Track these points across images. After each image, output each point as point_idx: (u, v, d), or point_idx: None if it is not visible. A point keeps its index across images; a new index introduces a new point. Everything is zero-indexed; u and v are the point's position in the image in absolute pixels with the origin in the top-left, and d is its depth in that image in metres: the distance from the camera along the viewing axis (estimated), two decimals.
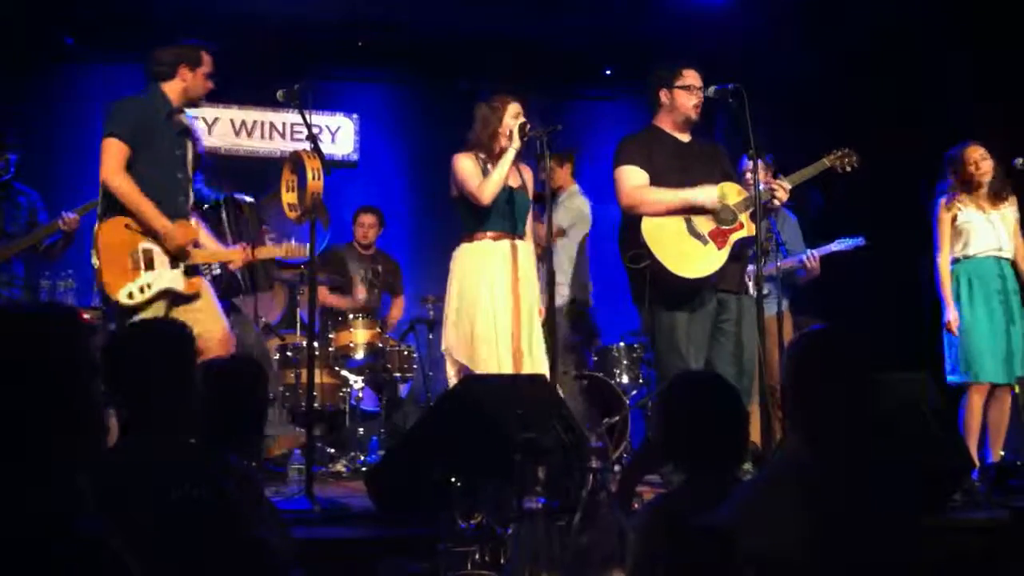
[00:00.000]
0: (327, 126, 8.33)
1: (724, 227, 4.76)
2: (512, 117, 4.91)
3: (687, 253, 4.69)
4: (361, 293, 6.98)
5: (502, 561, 2.17)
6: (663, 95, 4.91)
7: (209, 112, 8.10)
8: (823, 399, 2.24)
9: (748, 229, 4.79)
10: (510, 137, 4.87)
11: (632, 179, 4.77)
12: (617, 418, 6.19)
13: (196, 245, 4.59)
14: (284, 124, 8.28)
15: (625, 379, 6.55)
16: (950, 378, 5.50)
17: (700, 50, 6.69)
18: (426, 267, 7.71)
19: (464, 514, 2.23)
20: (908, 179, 6.40)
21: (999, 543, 3.77)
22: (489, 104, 4.99)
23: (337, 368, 6.48)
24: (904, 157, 6.66)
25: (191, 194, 4.69)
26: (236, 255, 4.79)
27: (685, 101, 4.86)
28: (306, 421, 4.64)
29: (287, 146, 7.92)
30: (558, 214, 6.26)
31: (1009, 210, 5.64)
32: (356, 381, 6.44)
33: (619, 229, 4.88)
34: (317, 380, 5.29)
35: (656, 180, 4.77)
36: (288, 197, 4.52)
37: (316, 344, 5.12)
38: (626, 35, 7.73)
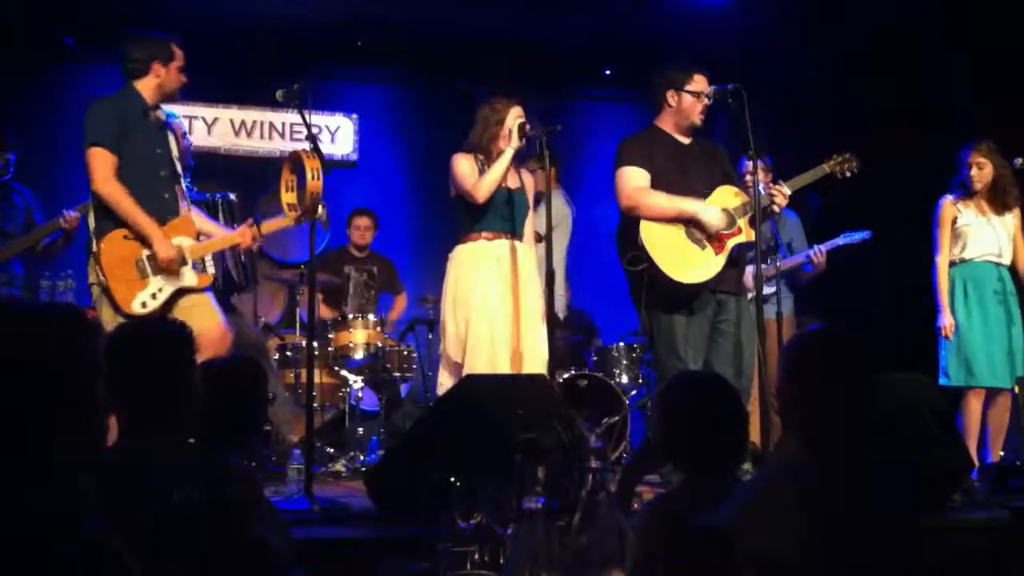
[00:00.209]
0: (326, 126, 8.33)
1: (722, 231, 4.76)
2: (514, 119, 4.91)
3: (685, 258, 4.69)
4: (349, 307, 6.95)
5: (502, 561, 2.17)
6: (670, 96, 4.89)
7: (209, 112, 8.11)
8: (822, 399, 2.24)
9: (747, 234, 4.79)
10: (509, 138, 4.87)
11: (633, 180, 4.76)
12: (617, 418, 6.19)
13: (199, 237, 4.59)
14: (283, 124, 8.29)
15: (625, 379, 6.56)
16: (942, 381, 5.49)
17: (700, 50, 6.69)
18: (426, 267, 7.71)
19: (464, 514, 2.23)
20: (908, 179, 6.41)
21: (999, 543, 3.77)
22: (491, 106, 4.99)
23: (337, 368, 6.48)
24: (904, 157, 6.67)
25: (181, 188, 4.65)
26: (243, 235, 4.74)
27: (692, 106, 4.85)
28: (306, 422, 4.63)
29: (286, 146, 7.93)
30: (542, 218, 6.27)
31: (1010, 216, 5.62)
32: (356, 381, 6.44)
33: (617, 230, 4.88)
34: (317, 380, 5.28)
35: (656, 181, 4.77)
36: (287, 197, 4.52)
37: (316, 344, 5.12)
38: (626, 35, 7.73)
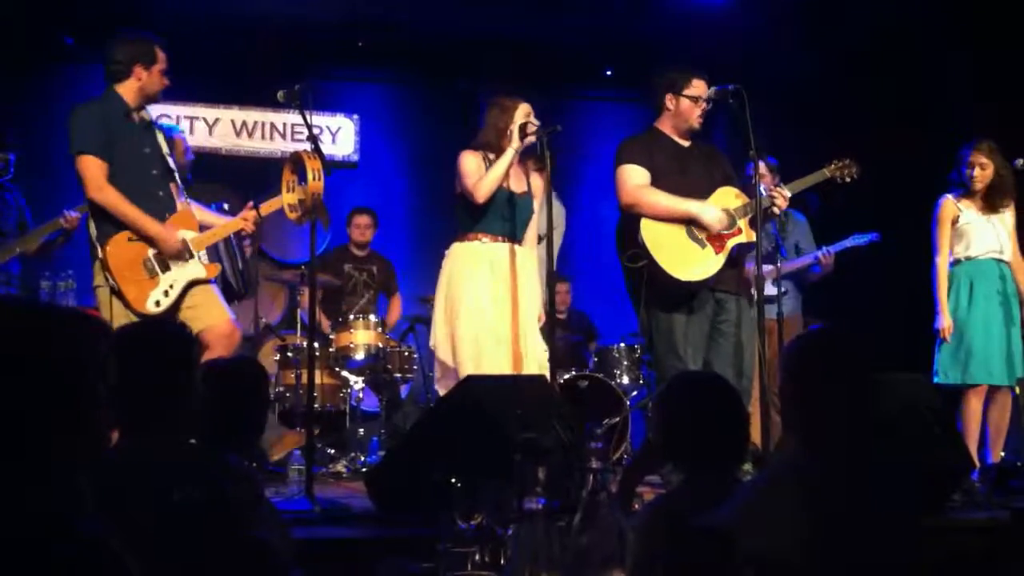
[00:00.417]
0: (327, 127, 8.33)
1: (723, 232, 4.77)
2: (522, 117, 4.90)
3: (685, 256, 4.69)
4: (347, 304, 6.94)
5: (502, 562, 2.17)
6: (669, 99, 4.90)
7: (210, 113, 8.12)
8: (823, 399, 2.24)
9: (747, 235, 4.80)
10: (511, 138, 4.87)
11: (634, 178, 4.77)
12: (617, 419, 6.19)
13: (202, 228, 4.59)
14: (285, 125, 8.29)
15: (625, 380, 6.56)
16: (936, 380, 5.48)
17: (700, 50, 6.71)
18: (426, 267, 7.69)
19: (464, 515, 2.23)
20: (908, 180, 6.41)
21: (999, 544, 3.77)
22: (499, 104, 4.98)
23: (337, 369, 6.48)
24: (904, 158, 6.67)
25: (176, 184, 4.64)
26: (245, 219, 4.73)
27: (690, 111, 4.86)
28: (306, 422, 4.64)
29: (288, 147, 7.93)
30: (539, 221, 6.29)
31: (1008, 213, 5.63)
32: (356, 382, 6.44)
33: (617, 228, 4.88)
34: (317, 381, 5.29)
35: (656, 181, 4.77)
36: (288, 198, 4.52)
37: (316, 344, 5.12)
38: (626, 35, 7.73)
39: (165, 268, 4.40)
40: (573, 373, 6.34)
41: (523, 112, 4.92)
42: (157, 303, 4.36)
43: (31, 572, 1.38)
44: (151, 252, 4.39)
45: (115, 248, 4.37)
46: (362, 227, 7.23)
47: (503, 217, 4.92)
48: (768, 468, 3.61)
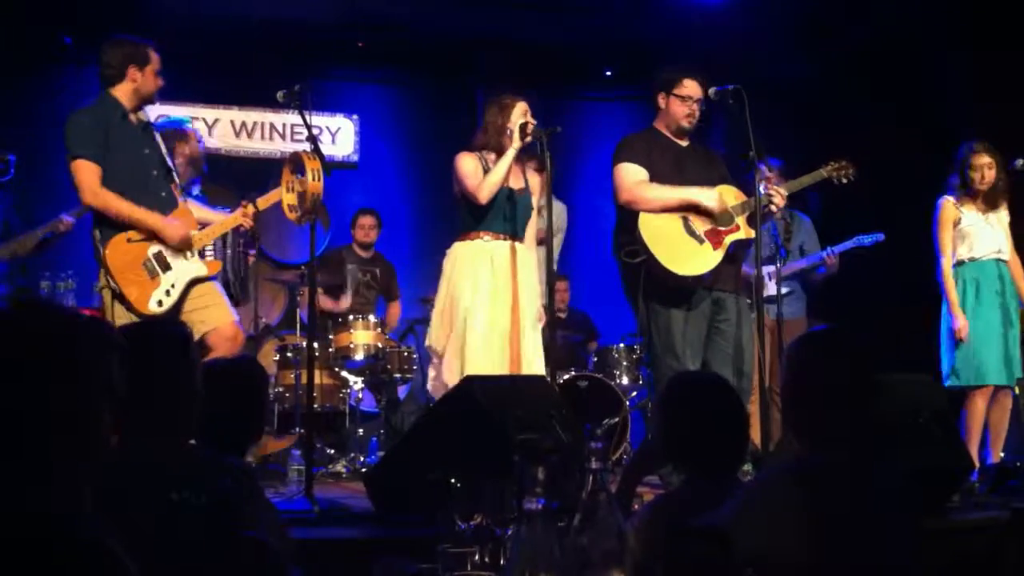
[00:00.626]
0: (327, 127, 8.33)
1: (721, 228, 4.77)
2: (520, 116, 4.90)
3: (683, 251, 4.69)
4: (345, 301, 6.96)
5: (502, 562, 2.17)
6: (661, 99, 4.93)
7: (210, 113, 8.12)
8: (825, 400, 2.24)
9: (745, 232, 4.80)
10: (512, 138, 4.87)
11: (632, 175, 4.78)
12: (617, 419, 6.19)
13: (202, 226, 4.60)
14: (284, 125, 8.29)
15: (625, 380, 6.56)
16: (949, 382, 5.49)
17: (699, 50, 6.71)
18: (426, 268, 7.70)
19: (463, 515, 2.23)
20: (907, 180, 6.41)
21: (999, 544, 3.77)
22: (498, 103, 4.98)
23: (337, 369, 6.48)
24: (903, 158, 6.67)
25: (176, 184, 4.65)
26: (243, 216, 4.73)
27: (679, 110, 4.87)
28: (305, 422, 4.64)
29: (287, 147, 7.92)
30: (541, 220, 6.30)
31: (1003, 212, 5.65)
32: (356, 382, 6.44)
33: (614, 225, 4.89)
34: (317, 381, 5.29)
35: (653, 180, 4.78)
36: (288, 198, 4.52)
37: (316, 345, 5.12)
38: (626, 35, 7.73)
39: (166, 268, 4.40)
40: (572, 373, 6.34)
41: (521, 110, 4.91)
42: (159, 303, 4.36)
43: (31, 572, 1.38)
44: (151, 252, 4.39)
45: (114, 250, 4.37)
46: (366, 228, 7.24)
47: (504, 215, 4.92)
48: (768, 468, 3.62)
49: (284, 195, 4.54)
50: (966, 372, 5.47)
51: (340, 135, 8.42)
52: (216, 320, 4.42)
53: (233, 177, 7.54)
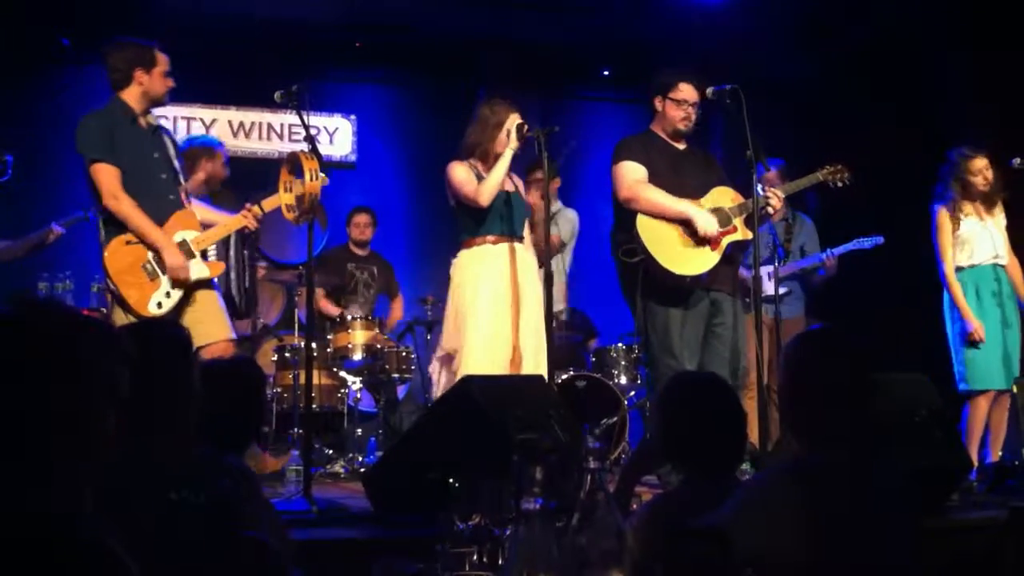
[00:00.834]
0: (325, 127, 8.33)
1: (719, 229, 4.78)
2: (512, 124, 4.90)
3: (681, 251, 4.71)
4: (356, 310, 6.96)
5: (500, 562, 2.17)
6: (657, 102, 4.95)
7: (207, 113, 8.12)
8: (823, 399, 2.24)
9: (742, 233, 4.81)
10: (508, 140, 4.86)
11: (632, 173, 4.79)
12: (615, 419, 6.19)
13: (204, 227, 4.60)
14: (282, 125, 8.29)
15: (623, 380, 6.56)
16: (962, 387, 5.51)
17: (698, 51, 6.71)
18: (424, 268, 7.72)
19: (462, 515, 2.23)
20: (907, 180, 6.42)
21: (997, 543, 3.77)
22: (490, 108, 4.97)
23: (335, 369, 6.48)
24: (903, 158, 6.67)
25: (183, 187, 4.66)
26: (246, 217, 4.72)
27: (674, 114, 4.89)
28: (304, 422, 4.64)
29: (285, 147, 7.92)
30: (557, 225, 6.32)
31: (1000, 216, 5.66)
32: (354, 382, 6.43)
33: (613, 224, 4.90)
34: (315, 381, 5.28)
35: (651, 181, 4.79)
36: (286, 198, 4.52)
37: (314, 345, 5.11)
38: (625, 35, 7.73)
39: (166, 270, 4.40)
40: (571, 373, 6.34)
41: (513, 119, 4.91)
42: (159, 305, 4.37)
43: (31, 572, 1.38)
44: (151, 255, 4.39)
45: (114, 252, 4.37)
46: (362, 226, 7.23)
47: (501, 217, 4.93)
48: (767, 468, 3.62)
49: (282, 195, 4.54)
50: (971, 376, 5.49)
51: (338, 135, 8.42)
52: (212, 335, 4.40)
53: (231, 177, 7.52)
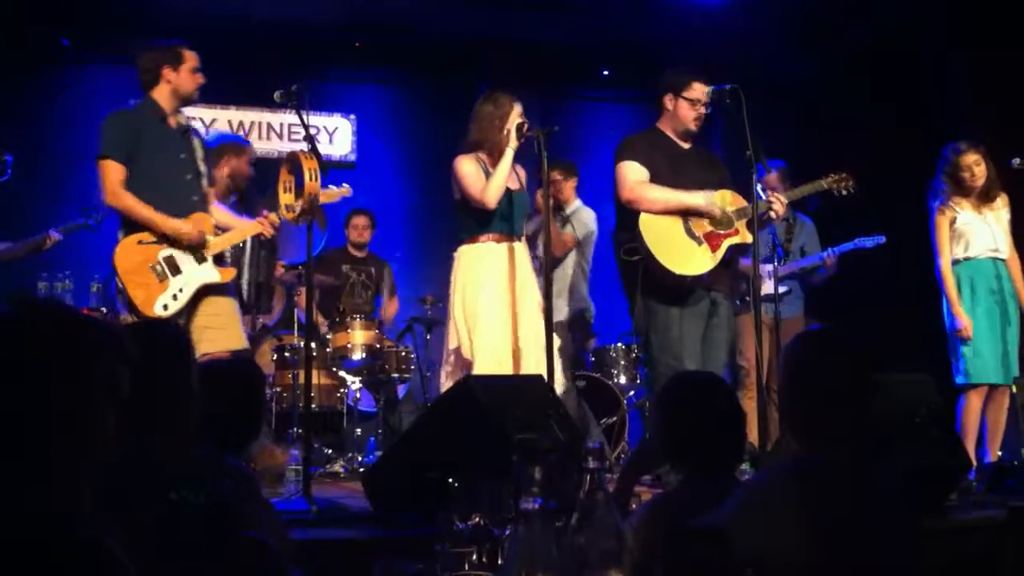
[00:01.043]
0: (324, 127, 8.34)
1: (720, 231, 4.79)
2: (517, 116, 4.88)
3: (681, 251, 4.71)
4: (344, 305, 6.95)
5: (499, 562, 2.17)
6: (668, 100, 4.94)
7: (207, 113, 8.12)
8: (823, 399, 2.24)
9: (743, 236, 4.81)
10: (509, 139, 4.85)
11: (634, 174, 4.79)
12: (615, 419, 6.19)
13: (218, 232, 4.60)
14: (281, 125, 8.29)
15: (623, 379, 6.56)
16: (959, 381, 5.51)
17: (698, 51, 6.71)
18: (424, 267, 7.72)
19: (461, 515, 2.23)
20: (907, 180, 6.42)
21: (997, 543, 3.77)
22: (493, 102, 4.94)
23: (335, 369, 6.47)
24: (903, 158, 6.67)
25: (208, 190, 4.67)
26: (262, 224, 4.72)
27: (687, 113, 4.89)
28: (303, 422, 4.63)
29: (284, 147, 7.93)
30: (572, 224, 6.31)
31: (1002, 211, 5.66)
32: (354, 382, 6.43)
33: (615, 223, 4.90)
34: (315, 381, 5.28)
35: (654, 181, 4.80)
36: (285, 198, 4.52)
37: (313, 345, 5.11)
38: (625, 35, 7.73)
39: (176, 272, 4.40)
40: (571, 373, 6.34)
41: (517, 111, 4.90)
42: (165, 307, 4.36)
43: (31, 572, 1.38)
44: (162, 256, 4.39)
45: (123, 252, 4.39)
46: (360, 228, 7.23)
47: (503, 216, 4.92)
48: (767, 468, 3.62)
49: (281, 195, 4.54)
50: (963, 371, 5.49)
51: (337, 135, 8.43)
52: (224, 344, 4.41)
53: None
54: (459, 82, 8.12)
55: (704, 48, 7.13)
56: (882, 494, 2.22)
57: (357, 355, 6.32)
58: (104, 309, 6.17)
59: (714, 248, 4.76)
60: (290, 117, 8.08)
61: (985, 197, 5.61)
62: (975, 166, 5.57)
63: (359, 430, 6.36)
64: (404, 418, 6.68)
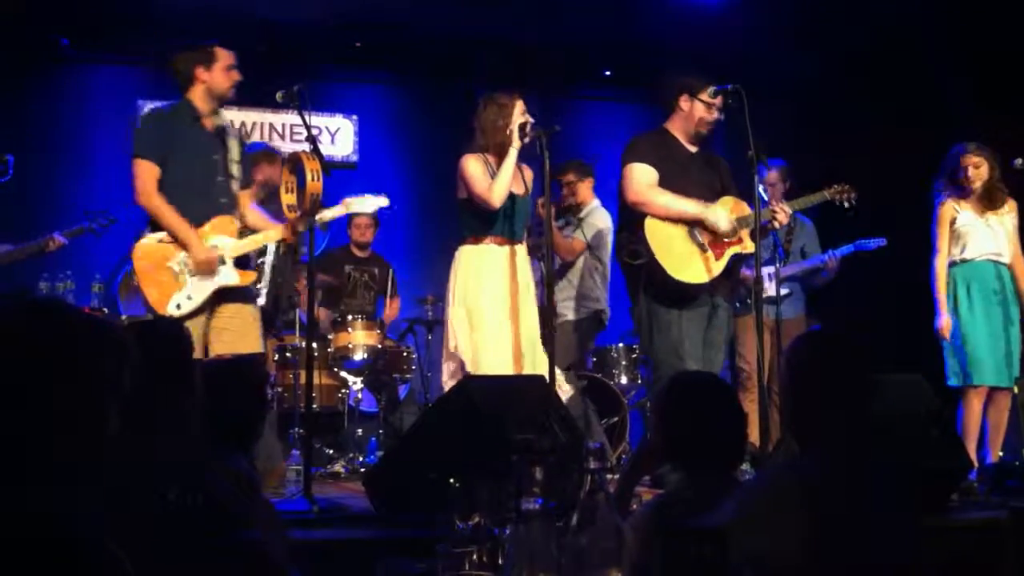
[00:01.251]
0: (326, 127, 8.33)
1: (724, 239, 4.79)
2: (519, 114, 4.87)
3: (685, 257, 4.71)
4: (347, 305, 6.93)
5: (500, 562, 2.17)
6: (684, 101, 4.91)
7: None
8: (823, 400, 2.24)
9: (746, 246, 4.81)
10: (511, 138, 4.84)
11: (643, 176, 4.78)
12: (616, 419, 6.19)
13: (244, 234, 4.59)
14: (283, 125, 8.28)
15: (624, 380, 6.55)
16: (949, 382, 5.51)
17: (699, 51, 6.70)
18: (425, 268, 7.71)
19: (462, 515, 2.23)
20: (907, 180, 6.42)
21: (998, 543, 3.77)
22: (496, 102, 4.93)
23: (336, 369, 6.47)
24: (903, 158, 6.67)
25: (236, 192, 4.64)
26: (287, 229, 4.68)
27: (705, 115, 4.88)
28: (304, 422, 4.63)
29: (286, 147, 7.91)
30: (581, 230, 6.28)
31: (1008, 216, 5.65)
32: (355, 382, 6.43)
33: (618, 224, 4.89)
34: (316, 381, 5.28)
35: (660, 183, 4.79)
36: (287, 198, 4.52)
37: (315, 345, 5.12)
38: (625, 36, 7.72)
39: (192, 273, 4.39)
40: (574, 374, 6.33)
41: (520, 109, 4.89)
42: (179, 306, 4.36)
43: (31, 572, 1.38)
44: (181, 255, 4.39)
45: (143, 249, 4.40)
46: (362, 227, 7.21)
47: (506, 218, 4.91)
48: (767, 468, 3.62)
49: (283, 196, 4.54)
50: (961, 372, 5.49)
51: (339, 135, 8.42)
52: (239, 348, 4.39)
53: None
54: (461, 83, 8.11)
55: (704, 48, 7.12)
56: (882, 495, 2.22)
57: (358, 355, 6.32)
58: (106, 309, 6.18)
59: (718, 256, 4.77)
60: (292, 118, 8.08)
61: (988, 200, 5.60)
62: (974, 168, 5.57)
63: (360, 430, 6.36)
64: (405, 418, 6.68)
